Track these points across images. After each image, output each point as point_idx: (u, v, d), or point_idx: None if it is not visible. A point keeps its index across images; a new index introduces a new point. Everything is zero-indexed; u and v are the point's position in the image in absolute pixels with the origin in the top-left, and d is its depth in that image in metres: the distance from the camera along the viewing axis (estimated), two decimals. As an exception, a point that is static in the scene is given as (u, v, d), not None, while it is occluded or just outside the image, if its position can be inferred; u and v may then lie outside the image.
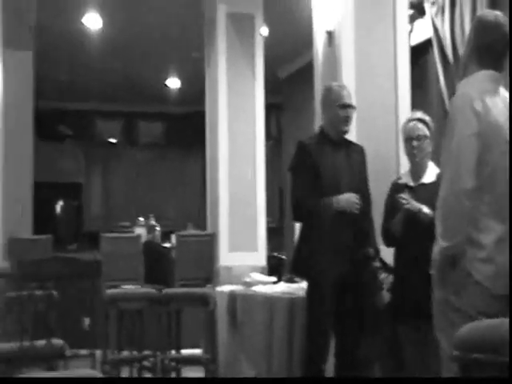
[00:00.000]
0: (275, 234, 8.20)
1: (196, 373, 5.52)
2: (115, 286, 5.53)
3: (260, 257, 6.26)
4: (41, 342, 3.81)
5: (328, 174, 3.60)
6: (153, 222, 7.76)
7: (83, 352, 4.23)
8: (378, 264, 3.61)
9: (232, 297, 4.74)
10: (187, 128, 11.15)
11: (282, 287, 4.37)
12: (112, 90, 10.61)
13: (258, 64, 6.61)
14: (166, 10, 7.54)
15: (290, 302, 3.90)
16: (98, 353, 4.91)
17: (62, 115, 11.02)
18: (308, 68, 8.43)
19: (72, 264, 4.52)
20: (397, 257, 3.61)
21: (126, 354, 5.51)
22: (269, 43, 6.78)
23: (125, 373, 5.54)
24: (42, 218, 8.05)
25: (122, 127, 11.60)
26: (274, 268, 5.99)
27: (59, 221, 10.34)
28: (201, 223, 8.97)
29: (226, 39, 6.57)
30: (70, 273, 4.46)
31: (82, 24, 7.74)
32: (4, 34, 6.14)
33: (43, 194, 8.27)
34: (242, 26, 6.60)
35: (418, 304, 3.22)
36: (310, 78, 5.06)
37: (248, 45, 6.59)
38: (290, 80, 9.81)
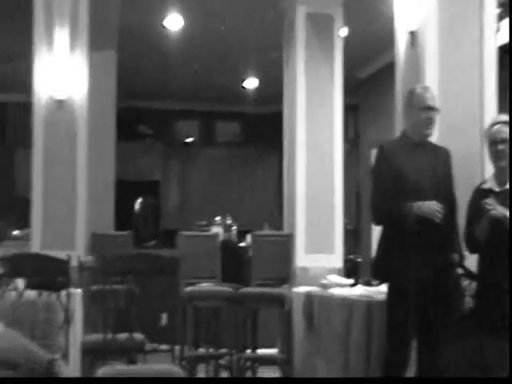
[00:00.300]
0: (352, 237, 8.15)
1: (272, 373, 5.54)
2: (192, 284, 5.61)
3: (337, 259, 6.23)
4: (122, 336, 3.91)
5: (410, 177, 3.55)
6: (229, 221, 7.83)
7: (163, 347, 4.31)
8: (460, 271, 3.53)
9: (309, 298, 4.73)
10: (264, 128, 11.21)
11: (360, 290, 4.34)
12: (191, 90, 10.78)
13: (336, 64, 6.57)
14: (246, 11, 7.60)
15: (368, 305, 3.87)
16: (176, 349, 4.99)
17: (142, 115, 11.26)
18: (388, 69, 8.35)
19: (152, 260, 4.62)
20: (481, 263, 3.53)
21: (202, 351, 5.59)
22: (348, 43, 6.74)
23: (201, 370, 5.62)
24: (122, 215, 8.25)
25: (199, 127, 11.76)
26: (351, 271, 5.95)
27: (138, 218, 10.58)
28: (277, 223, 8.99)
29: (305, 40, 6.56)
30: (150, 269, 4.56)
31: (164, 25, 7.89)
32: (90, 35, 6.30)
33: (123, 191, 8.47)
34: (321, 26, 6.58)
35: (504, 312, 3.14)
36: (390, 79, 4.99)
37: (327, 45, 6.57)
38: (369, 81, 9.73)
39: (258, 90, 10.49)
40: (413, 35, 4.60)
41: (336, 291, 4.51)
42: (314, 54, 6.53)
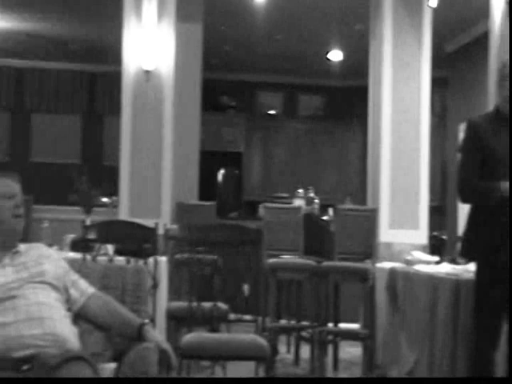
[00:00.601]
0: (437, 213, 7.99)
1: (353, 347, 5.52)
2: (275, 256, 5.63)
3: (421, 235, 6.12)
4: (207, 305, 3.97)
5: (499, 155, 3.42)
6: (312, 195, 7.80)
7: (246, 317, 4.35)
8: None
9: (392, 274, 4.68)
10: (348, 101, 11.08)
11: (446, 268, 4.24)
12: (274, 62, 10.74)
13: (425, 37, 6.40)
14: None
15: (456, 283, 3.78)
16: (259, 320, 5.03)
17: (226, 86, 11.32)
18: (479, 41, 8.08)
19: (236, 231, 4.65)
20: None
21: (284, 322, 5.62)
22: (437, 15, 6.54)
23: (282, 341, 5.66)
24: (206, 186, 8.36)
25: (282, 99, 11.73)
26: (435, 248, 5.83)
27: (221, 189, 10.69)
28: (359, 198, 8.92)
29: (392, 10, 6.41)
30: (234, 239, 4.59)
31: (249, -4, 7.87)
32: (177, 6, 6.36)
33: (207, 162, 8.56)
34: (409, -2, 6.41)
35: None
36: (480, 52, 4.84)
37: (415, 16, 6.39)
38: (458, 54, 9.43)
39: (342, 62, 10.35)
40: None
41: (421, 268, 4.44)
42: (401, 26, 6.37)
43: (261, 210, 6.38)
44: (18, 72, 11.18)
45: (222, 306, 4.38)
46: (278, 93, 11.65)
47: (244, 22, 8.76)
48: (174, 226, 5.70)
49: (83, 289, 2.65)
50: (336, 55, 10.13)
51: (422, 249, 5.77)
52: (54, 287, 2.55)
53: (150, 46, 6.23)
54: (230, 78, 11.32)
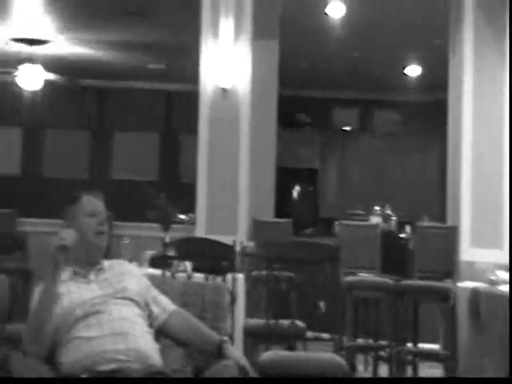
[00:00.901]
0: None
1: (433, 369, 5.38)
2: (352, 273, 5.56)
3: (504, 254, 5.92)
4: (284, 322, 3.94)
5: None
6: (389, 212, 7.69)
7: (324, 335, 4.31)
8: None
9: (475, 294, 4.54)
10: (426, 117, 10.89)
11: (533, 289, 4.09)
12: (350, 78, 10.69)
13: (508, 51, 6.21)
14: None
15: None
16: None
17: (301, 103, 11.32)
18: None
19: (312, 248, 4.61)
20: None
21: (361, 341, 5.53)
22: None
23: (360, 360, 5.56)
24: (281, 202, 8.36)
25: (358, 115, 11.65)
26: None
27: (296, 205, 10.68)
28: (436, 215, 8.72)
29: (473, 24, 6.26)
30: (311, 257, 4.56)
31: (326, 13, 7.85)
32: (253, 24, 6.41)
33: (282, 178, 8.58)
34: (492, 10, 6.24)
35: None
36: None
37: (498, 30, 6.22)
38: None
39: (420, 77, 10.19)
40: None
41: (506, 289, 4.29)
42: (483, 39, 6.21)
43: (336, 227, 6.33)
44: (99, 92, 11.52)
45: (299, 323, 4.35)
46: (354, 109, 11.57)
47: (320, 37, 8.75)
48: (251, 243, 5.72)
49: (164, 305, 2.67)
50: (414, 70, 9.99)
51: (506, 269, 5.58)
52: (136, 303, 2.58)
53: (227, 63, 6.29)
54: (306, 94, 11.32)
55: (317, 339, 4.17)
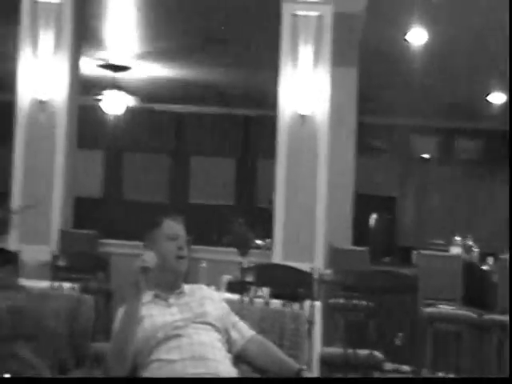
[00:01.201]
0: None
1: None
2: (431, 305, 5.41)
3: None
4: (362, 352, 3.86)
5: None
6: (470, 243, 7.48)
7: (403, 368, 4.20)
8: None
9: None
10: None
11: None
12: (430, 105, 10.52)
13: None
14: (494, 22, 7.22)
15: None
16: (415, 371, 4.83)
17: (379, 129, 11.21)
18: None
19: (391, 278, 4.52)
20: None
21: (441, 375, 5.36)
22: None
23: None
24: (359, 230, 8.25)
25: (437, 143, 11.44)
26: None
27: (373, 233, 10.53)
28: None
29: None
30: (389, 286, 4.47)
31: (406, 39, 7.78)
32: (332, 51, 6.40)
33: (359, 206, 8.49)
34: None
35: None
36: None
37: None
38: None
39: (504, 104, 9.92)
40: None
41: None
42: None
43: (415, 257, 6.19)
44: (177, 117, 11.74)
45: (378, 354, 4.25)
46: (433, 136, 11.37)
47: (399, 64, 8.66)
48: (328, 271, 5.66)
49: (243, 331, 2.66)
50: (498, 97, 9.74)
51: None
52: (216, 328, 2.58)
53: (306, 90, 6.29)
54: (384, 121, 11.20)
55: (395, 371, 4.05)
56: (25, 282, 2.94)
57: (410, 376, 3.10)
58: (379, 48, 8.18)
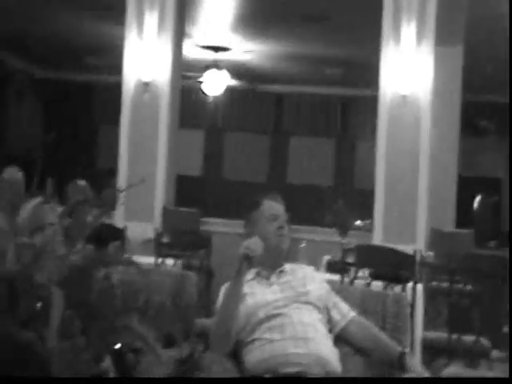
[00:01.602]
0: None
1: None
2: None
3: None
4: (468, 338, 3.77)
5: None
6: None
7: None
8: None
9: None
10: None
11: None
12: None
13: None
14: None
15: None
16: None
17: (486, 109, 10.81)
18: None
19: (496, 262, 4.38)
20: None
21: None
22: None
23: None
24: (462, 212, 8.02)
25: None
26: None
27: (478, 216, 10.21)
28: None
29: None
30: (496, 271, 4.33)
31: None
32: (437, 29, 6.21)
33: (463, 188, 8.26)
34: None
35: None
36: None
37: None
38: None
39: None
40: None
41: None
42: None
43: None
44: (277, 96, 11.76)
45: (486, 342, 4.12)
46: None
47: (506, 40, 8.29)
48: (430, 253, 5.54)
49: (344, 312, 2.64)
50: None
51: None
52: (317, 308, 2.57)
53: (408, 69, 6.14)
54: (491, 99, 10.78)
55: (504, 360, 3.91)
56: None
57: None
58: (485, 24, 7.86)
